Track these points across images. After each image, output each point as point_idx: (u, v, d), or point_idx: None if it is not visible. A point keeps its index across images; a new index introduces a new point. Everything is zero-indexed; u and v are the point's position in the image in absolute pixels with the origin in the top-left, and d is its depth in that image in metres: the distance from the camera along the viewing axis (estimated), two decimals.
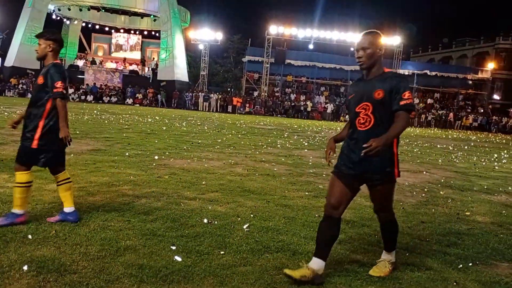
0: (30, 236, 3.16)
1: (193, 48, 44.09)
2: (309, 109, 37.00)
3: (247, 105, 36.31)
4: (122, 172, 5.91)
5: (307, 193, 5.50)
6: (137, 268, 2.78)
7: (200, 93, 36.81)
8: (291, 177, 6.60)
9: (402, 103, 2.72)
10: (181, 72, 37.00)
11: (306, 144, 12.26)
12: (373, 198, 2.98)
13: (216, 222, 3.92)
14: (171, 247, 3.21)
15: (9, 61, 34.76)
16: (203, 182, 5.64)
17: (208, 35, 38.98)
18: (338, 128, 22.35)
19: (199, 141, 10.78)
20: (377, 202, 2.98)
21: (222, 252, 3.20)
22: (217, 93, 38.02)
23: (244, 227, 3.83)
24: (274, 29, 37.84)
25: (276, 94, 39.87)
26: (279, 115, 35.72)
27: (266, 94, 38.98)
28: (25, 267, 2.64)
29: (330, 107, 37.14)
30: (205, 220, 3.94)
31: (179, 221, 3.87)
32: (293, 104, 37.46)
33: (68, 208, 3.63)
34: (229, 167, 7.06)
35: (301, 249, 3.41)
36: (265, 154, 9.12)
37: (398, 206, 5.04)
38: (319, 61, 40.71)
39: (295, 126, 21.70)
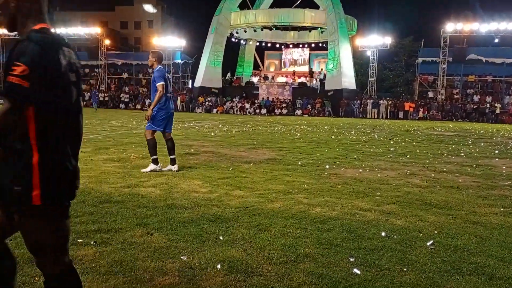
0: (221, 237, 3.50)
1: (360, 55, 43.45)
2: (497, 111, 32.42)
3: (421, 110, 33.82)
4: (296, 180, 6.13)
5: (502, 209, 4.77)
6: (317, 277, 2.81)
7: (368, 100, 35.94)
8: (481, 190, 5.83)
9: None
10: (348, 81, 36.79)
11: (496, 152, 10.73)
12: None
13: (395, 237, 3.70)
14: (350, 258, 3.15)
15: (198, 82, 40.01)
16: (378, 193, 5.42)
17: (376, 40, 37.94)
18: None
19: (370, 149, 10.47)
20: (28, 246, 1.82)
21: (404, 269, 2.99)
22: (387, 99, 36.51)
23: (428, 244, 3.52)
24: (451, 27, 34.52)
25: (456, 96, 36.11)
26: (459, 120, 32.25)
27: (443, 97, 35.71)
28: (219, 266, 2.93)
29: None
30: (383, 233, 3.76)
31: (355, 232, 3.79)
32: (476, 106, 33.38)
33: None
34: (405, 178, 6.64)
35: (500, 273, 2.96)
36: (446, 164, 8.30)
37: None
38: (507, 57, 35.42)
39: (481, 131, 19.24)
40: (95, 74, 44.07)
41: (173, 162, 6.61)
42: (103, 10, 64.99)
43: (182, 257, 3.06)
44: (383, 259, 3.16)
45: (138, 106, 38.47)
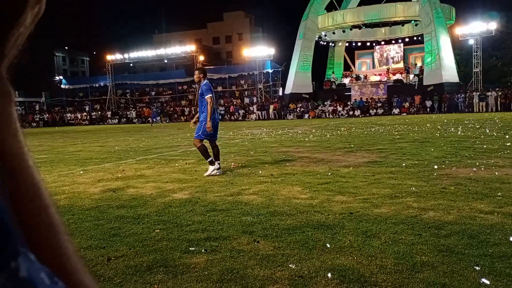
0: (328, 245, 3.39)
1: (461, 45, 40.11)
2: None
3: None
4: (402, 183, 5.76)
5: None
6: (440, 287, 2.56)
7: (474, 93, 32.98)
8: None
9: None
10: (449, 73, 34.18)
11: None
12: None
13: None
14: (475, 267, 2.83)
15: (288, 89, 40.31)
16: (499, 194, 4.87)
17: (478, 27, 34.77)
18: None
19: (483, 146, 9.52)
20: None
21: None
22: (496, 90, 33.14)
23: None
24: None
25: None
26: None
27: None
28: (329, 275, 2.82)
29: None
30: (511, 238, 3.33)
31: (477, 237, 3.42)
32: None
33: None
34: None
35: None
36: None
37: None
38: None
39: None
40: (193, 90, 46.74)
41: (212, 163, 7.01)
42: (197, 28, 68.93)
43: (290, 265, 3.02)
44: None
45: (234, 118, 39.88)
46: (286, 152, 10.13)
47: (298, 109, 37.95)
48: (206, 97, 6.96)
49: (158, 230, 3.98)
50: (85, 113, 48.53)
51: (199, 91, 7.18)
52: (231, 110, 41.39)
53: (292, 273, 2.89)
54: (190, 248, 3.44)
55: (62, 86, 54.62)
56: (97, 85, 52.42)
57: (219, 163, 7.11)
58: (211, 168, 6.99)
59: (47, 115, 48.95)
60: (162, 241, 3.67)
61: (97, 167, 8.17)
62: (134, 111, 46.12)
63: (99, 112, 48.16)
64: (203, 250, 3.38)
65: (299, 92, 38.81)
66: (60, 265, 0.35)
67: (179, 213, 4.58)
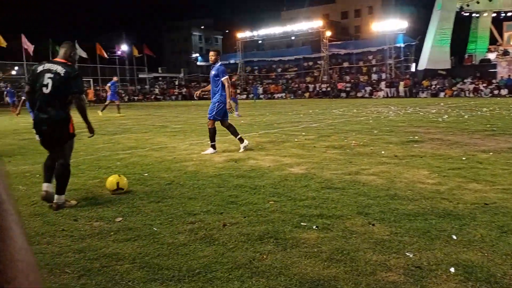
0: (454, 237, 3.04)
1: None
2: None
3: None
4: None
5: None
6: None
7: None
8: None
9: None
10: None
11: None
12: None
13: None
14: None
15: (422, 64, 37.25)
16: None
17: None
18: None
19: None
20: None
21: None
22: None
23: None
24: None
25: None
26: None
27: None
28: (452, 269, 2.52)
29: None
30: None
31: None
32: None
33: None
34: None
35: None
36: None
37: None
38: None
39: None
40: (318, 66, 46.24)
41: (241, 140, 7.26)
42: (325, 3, 67.52)
43: (407, 254, 2.78)
44: None
45: (359, 95, 38.51)
46: (415, 132, 9.41)
47: (433, 86, 34.91)
48: (223, 79, 7.07)
49: (272, 202, 4.04)
50: None
51: (213, 72, 7.21)
52: (338, 87, 39.86)
53: (408, 262, 2.66)
54: (302, 223, 3.41)
55: (198, 63, 58.83)
56: (227, 62, 55.27)
57: (240, 137, 7.29)
58: (211, 150, 7.12)
59: (185, 89, 53.35)
60: (275, 212, 3.71)
61: (223, 138, 8.61)
62: (261, 87, 47.57)
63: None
64: (314, 227, 3.32)
65: (434, 68, 35.58)
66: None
67: (294, 187, 4.58)
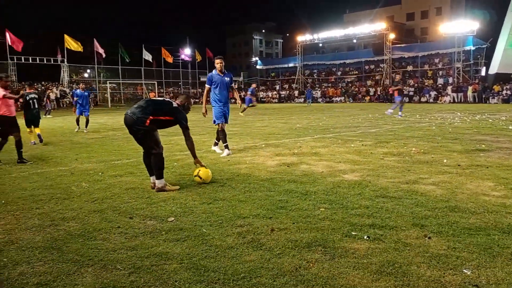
0: None
1: None
2: None
3: None
4: None
5: None
6: None
7: None
8: None
9: None
10: None
11: None
12: None
13: None
14: None
15: (493, 68, 34.94)
16: None
17: None
18: None
19: None
20: None
21: None
22: None
23: None
24: None
25: None
26: None
27: None
28: None
29: None
30: None
31: None
32: None
33: None
34: None
35: None
36: None
37: None
38: None
39: None
40: (380, 69, 44.90)
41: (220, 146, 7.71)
42: (390, 5, 65.48)
43: (465, 270, 2.60)
44: None
45: (423, 99, 36.87)
46: (482, 140, 8.82)
47: (504, 92, 32.59)
48: (233, 85, 7.75)
49: (323, 209, 3.95)
50: (275, 92, 51.83)
51: (226, 80, 7.49)
52: (421, 92, 38.18)
53: (465, 280, 2.48)
54: (353, 232, 3.31)
55: (258, 66, 59.48)
56: (286, 66, 55.28)
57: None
58: (226, 151, 7.39)
59: (243, 93, 54.10)
60: (325, 220, 3.63)
61: (277, 141, 8.62)
62: (319, 90, 47.06)
63: (287, 91, 50.75)
64: (365, 237, 3.21)
65: (507, 73, 33.22)
66: None
67: (347, 195, 4.46)
